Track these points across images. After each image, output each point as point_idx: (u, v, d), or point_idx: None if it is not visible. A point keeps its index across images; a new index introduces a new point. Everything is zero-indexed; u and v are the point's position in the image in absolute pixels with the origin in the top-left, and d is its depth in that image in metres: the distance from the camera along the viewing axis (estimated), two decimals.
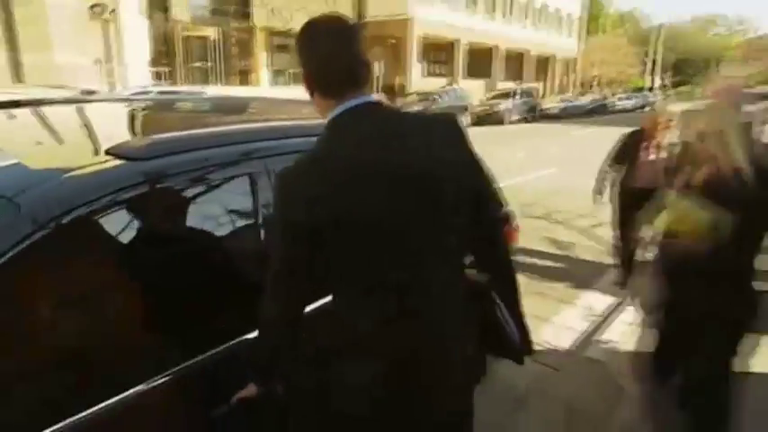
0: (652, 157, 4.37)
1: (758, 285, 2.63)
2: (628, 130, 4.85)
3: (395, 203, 1.38)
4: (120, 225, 1.36)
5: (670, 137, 4.27)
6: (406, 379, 1.45)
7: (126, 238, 1.44)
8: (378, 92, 5.74)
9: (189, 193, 1.47)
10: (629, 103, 39.68)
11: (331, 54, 1.42)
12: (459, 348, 1.56)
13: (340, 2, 28.67)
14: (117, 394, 1.27)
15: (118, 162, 1.33)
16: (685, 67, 72.58)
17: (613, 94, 44.62)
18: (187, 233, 1.68)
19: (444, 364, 1.52)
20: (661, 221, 2.36)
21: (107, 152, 1.36)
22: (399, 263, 1.43)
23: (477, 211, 1.57)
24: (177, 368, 1.42)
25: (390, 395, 1.47)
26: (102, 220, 1.27)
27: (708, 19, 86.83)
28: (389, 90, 6.11)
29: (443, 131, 1.51)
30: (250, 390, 1.51)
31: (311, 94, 1.47)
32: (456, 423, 1.68)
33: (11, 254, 1.09)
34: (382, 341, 1.44)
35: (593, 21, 60.50)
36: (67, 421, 1.18)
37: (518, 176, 10.56)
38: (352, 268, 1.45)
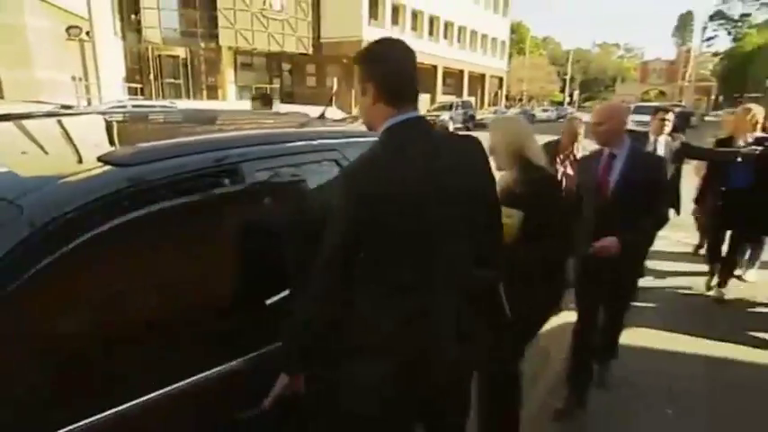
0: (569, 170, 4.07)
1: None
2: (547, 138, 4.41)
3: (432, 212, 1.41)
4: (111, 225, 1.30)
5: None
6: (415, 377, 1.45)
7: (118, 237, 1.38)
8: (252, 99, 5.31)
9: (173, 195, 1.41)
10: (550, 115, 41.35)
11: (401, 69, 1.47)
12: (462, 345, 1.54)
13: (299, 24, 28.54)
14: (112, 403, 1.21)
15: (108, 168, 1.30)
16: (594, 85, 75.78)
17: (536, 107, 46.17)
18: (172, 232, 1.59)
19: (447, 361, 1.50)
20: None
21: (98, 159, 1.33)
22: (424, 267, 1.45)
23: (489, 224, 1.64)
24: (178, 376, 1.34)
25: (401, 393, 1.48)
26: (95, 222, 1.23)
27: (610, 45, 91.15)
28: (264, 98, 5.34)
29: (474, 152, 1.56)
30: (281, 383, 1.44)
31: (373, 103, 1.47)
32: (454, 409, 1.70)
33: (14, 253, 1.07)
34: (401, 340, 1.44)
35: (518, 43, 62.14)
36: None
37: None
38: (383, 269, 1.45)
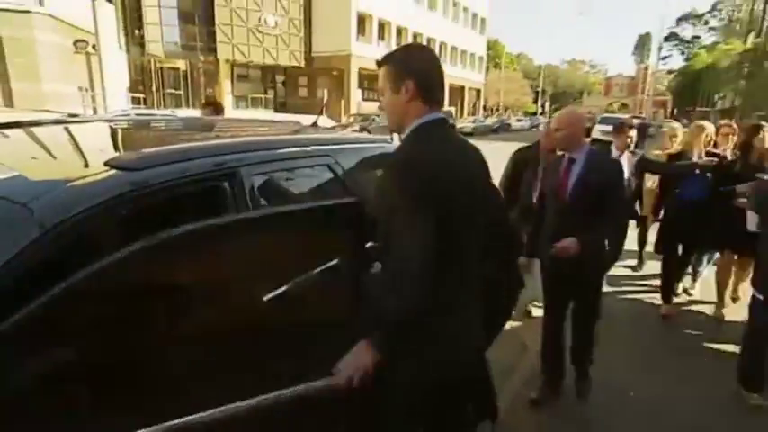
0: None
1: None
2: (522, 144, 4.17)
3: (467, 200, 1.42)
4: (118, 226, 1.30)
5: None
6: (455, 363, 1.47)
7: (123, 237, 1.30)
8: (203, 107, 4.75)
9: (175, 197, 1.38)
10: (524, 124, 41.98)
11: (437, 72, 1.47)
12: (477, 329, 1.57)
13: (292, 39, 28.52)
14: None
15: (115, 172, 1.27)
16: (563, 98, 76.83)
17: (511, 117, 46.68)
18: (176, 233, 1.58)
19: (469, 343, 1.53)
20: None
21: (105, 164, 1.30)
22: (459, 257, 1.43)
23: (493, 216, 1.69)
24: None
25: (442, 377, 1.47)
26: (101, 223, 1.22)
27: (577, 62, 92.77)
28: (215, 105, 4.77)
29: (479, 151, 1.58)
30: (365, 358, 1.35)
31: (409, 100, 1.43)
32: (473, 386, 1.78)
33: (25, 252, 1.05)
34: (443, 327, 1.42)
35: (494, 59, 62.61)
36: None
37: None
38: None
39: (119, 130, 2.24)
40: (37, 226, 1.08)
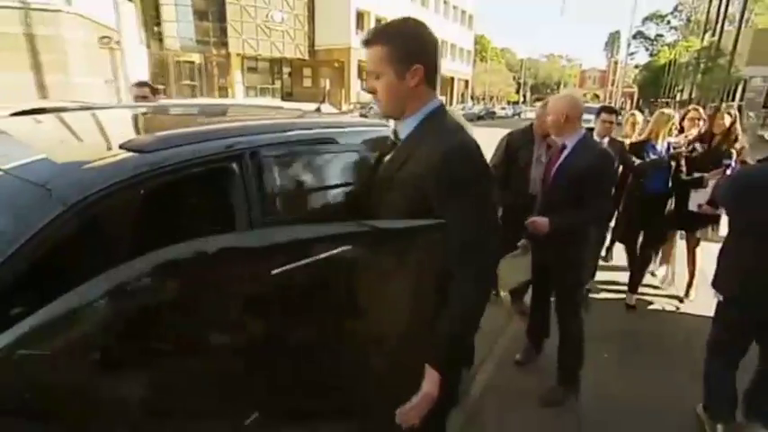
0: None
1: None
2: (508, 130, 3.69)
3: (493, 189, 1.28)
4: (130, 206, 1.26)
5: None
6: None
7: (137, 216, 1.34)
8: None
9: (187, 178, 1.30)
10: (507, 112, 41.88)
11: (438, 55, 1.24)
12: None
13: (297, 34, 28.07)
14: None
15: (129, 154, 1.20)
16: (542, 88, 76.42)
17: (496, 105, 46.44)
18: (187, 211, 1.52)
19: None
20: None
21: (120, 146, 1.23)
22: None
23: None
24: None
25: None
26: (116, 202, 1.14)
27: (555, 56, 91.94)
28: (148, 85, 4.18)
29: None
30: (434, 381, 1.16)
31: (416, 85, 1.19)
32: None
33: (44, 231, 0.99)
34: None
35: (481, 52, 61.76)
36: None
37: None
38: None
39: (136, 116, 2.13)
40: (54, 206, 1.02)
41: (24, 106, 1.88)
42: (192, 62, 25.98)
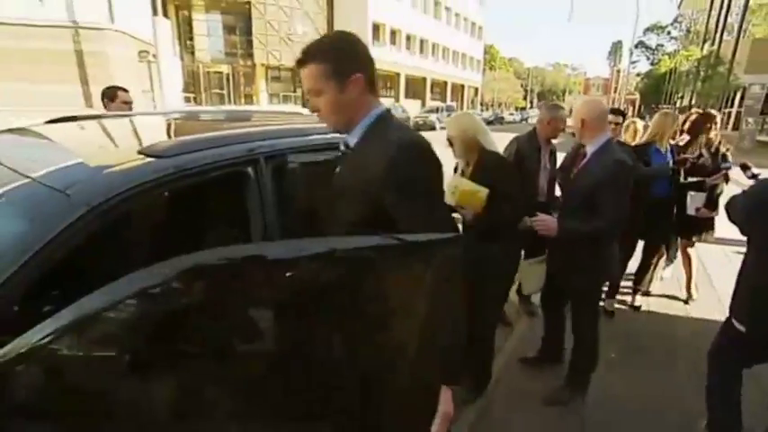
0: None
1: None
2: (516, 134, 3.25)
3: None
4: (148, 209, 1.22)
5: None
6: None
7: (155, 218, 1.31)
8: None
9: (202, 183, 1.26)
10: (515, 117, 41.61)
11: (373, 63, 1.17)
12: None
13: None
14: None
15: (147, 159, 1.17)
16: (548, 95, 75.53)
17: (504, 111, 46.09)
18: (202, 215, 1.47)
19: None
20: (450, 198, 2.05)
21: (139, 152, 1.20)
22: None
23: None
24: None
25: None
26: (134, 206, 1.10)
27: (561, 65, 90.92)
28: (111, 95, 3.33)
29: None
30: (448, 399, 1.08)
31: (360, 94, 1.13)
32: None
33: (63, 235, 0.96)
34: None
35: (490, 61, 61.30)
36: None
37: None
38: None
39: (162, 122, 2.07)
40: (72, 211, 0.99)
41: (58, 115, 1.89)
42: (221, 72, 26.34)
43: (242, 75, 26.52)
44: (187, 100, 22.67)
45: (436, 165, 1.13)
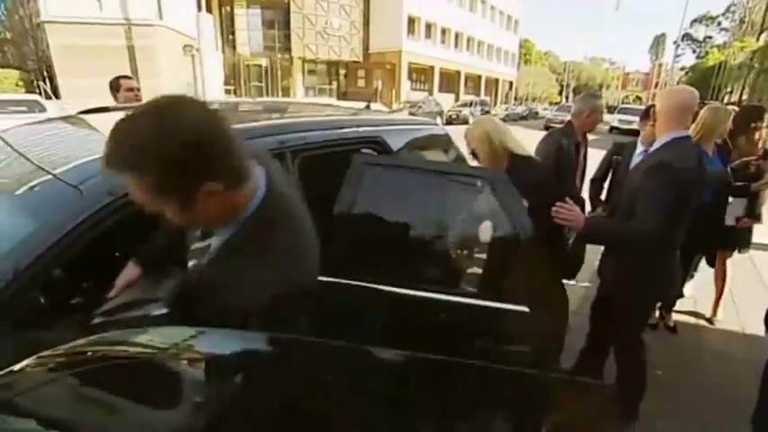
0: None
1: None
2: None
3: None
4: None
5: None
6: None
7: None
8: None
9: None
10: (549, 113, 39.83)
11: (220, 135, 0.75)
12: None
13: (353, 38, 28.15)
14: None
15: None
16: (584, 90, 72.50)
17: (539, 106, 44.47)
18: None
19: None
20: None
21: None
22: None
23: None
24: None
25: None
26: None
27: (598, 59, 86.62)
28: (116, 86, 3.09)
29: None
30: None
31: (219, 202, 0.75)
32: None
33: (78, 229, 0.94)
34: None
35: (525, 55, 59.37)
36: None
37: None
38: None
39: None
40: (84, 206, 0.96)
41: (90, 106, 1.85)
42: (260, 65, 26.69)
43: (280, 68, 26.79)
44: (227, 92, 23.13)
45: (313, 279, 0.83)
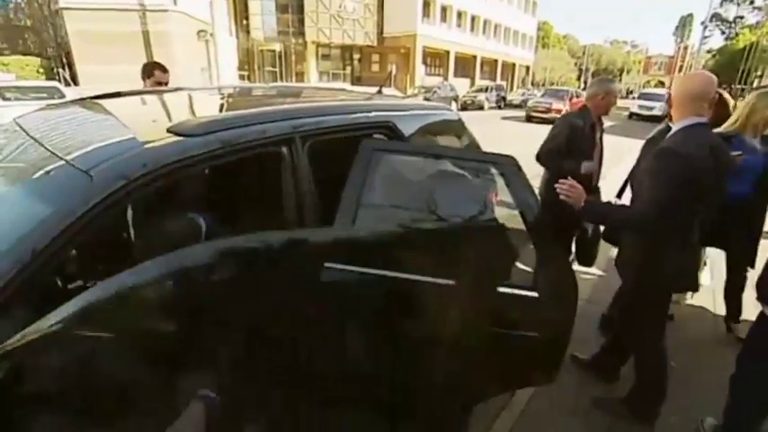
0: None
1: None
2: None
3: None
4: (176, 189, 1.17)
5: None
6: None
7: (182, 197, 1.25)
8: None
9: (233, 162, 1.17)
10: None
11: None
12: None
13: (367, 22, 27.75)
14: None
15: (175, 138, 1.09)
16: (604, 75, 70.28)
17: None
18: (230, 194, 1.42)
19: None
20: None
21: (168, 130, 1.12)
22: None
23: None
24: None
25: None
26: (162, 185, 1.03)
27: (619, 42, 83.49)
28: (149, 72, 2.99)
29: None
30: None
31: None
32: None
33: (89, 213, 0.92)
34: None
35: (543, 38, 57.80)
36: None
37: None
38: None
39: (200, 98, 1.91)
40: (94, 192, 0.95)
41: (104, 91, 1.82)
42: (274, 51, 26.59)
43: (294, 52, 26.66)
44: (241, 77, 23.16)
45: None
